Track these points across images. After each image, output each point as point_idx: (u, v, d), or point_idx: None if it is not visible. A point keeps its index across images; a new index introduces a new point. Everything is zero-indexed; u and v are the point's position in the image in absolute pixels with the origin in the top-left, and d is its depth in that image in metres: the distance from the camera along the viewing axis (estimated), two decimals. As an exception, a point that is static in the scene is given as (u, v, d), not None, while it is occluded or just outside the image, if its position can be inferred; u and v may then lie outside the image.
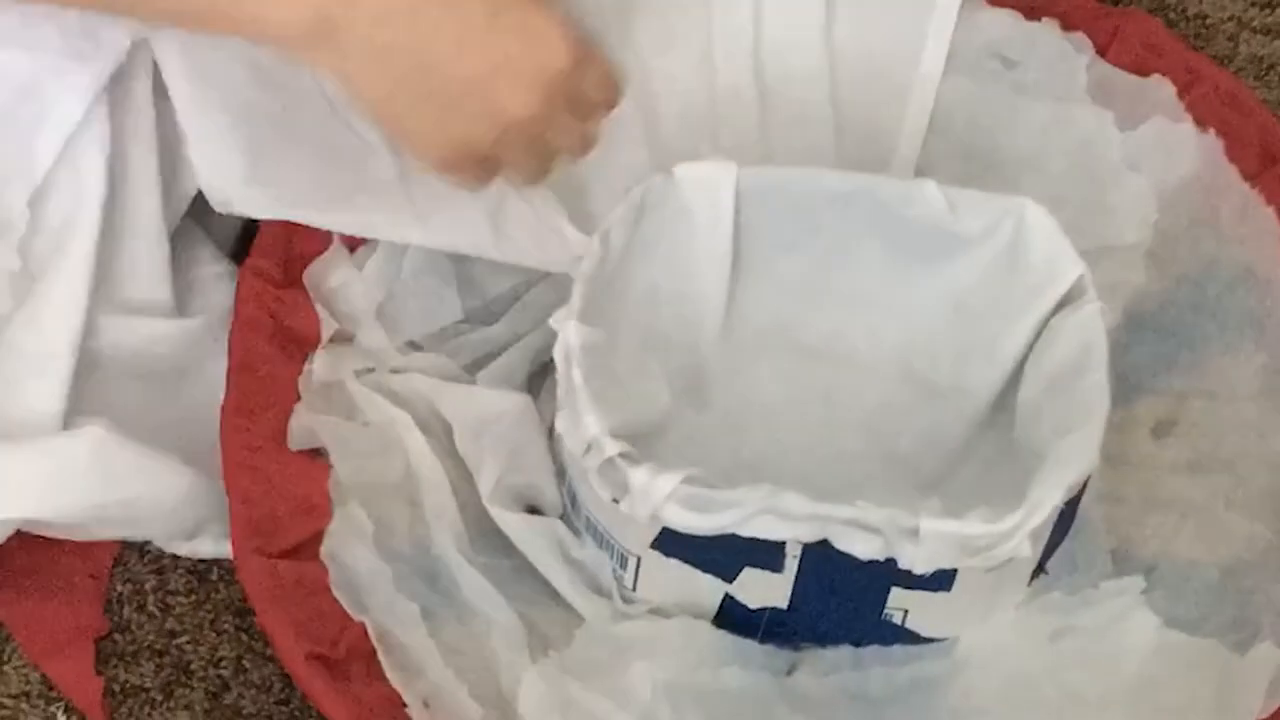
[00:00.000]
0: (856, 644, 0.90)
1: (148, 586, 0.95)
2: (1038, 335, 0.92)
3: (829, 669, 0.90)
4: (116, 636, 0.93)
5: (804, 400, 0.97)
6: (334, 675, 0.84)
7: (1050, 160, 1.03)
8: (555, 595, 0.91)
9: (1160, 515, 0.93)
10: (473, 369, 0.96)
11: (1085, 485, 0.88)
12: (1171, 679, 0.88)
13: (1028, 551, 0.84)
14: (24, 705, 0.92)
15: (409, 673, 0.86)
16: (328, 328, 0.95)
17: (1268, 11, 1.18)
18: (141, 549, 0.95)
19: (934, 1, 1.05)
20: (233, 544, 0.88)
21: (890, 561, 0.84)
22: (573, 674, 0.87)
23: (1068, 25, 1.06)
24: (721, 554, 0.86)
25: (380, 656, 0.86)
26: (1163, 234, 1.01)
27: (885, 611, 0.88)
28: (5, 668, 0.92)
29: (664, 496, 0.83)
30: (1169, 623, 0.89)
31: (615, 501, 0.85)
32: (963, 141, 1.05)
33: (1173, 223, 1.01)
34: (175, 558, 0.95)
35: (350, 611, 0.86)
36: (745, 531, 0.84)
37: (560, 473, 0.92)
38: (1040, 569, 0.90)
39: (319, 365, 0.94)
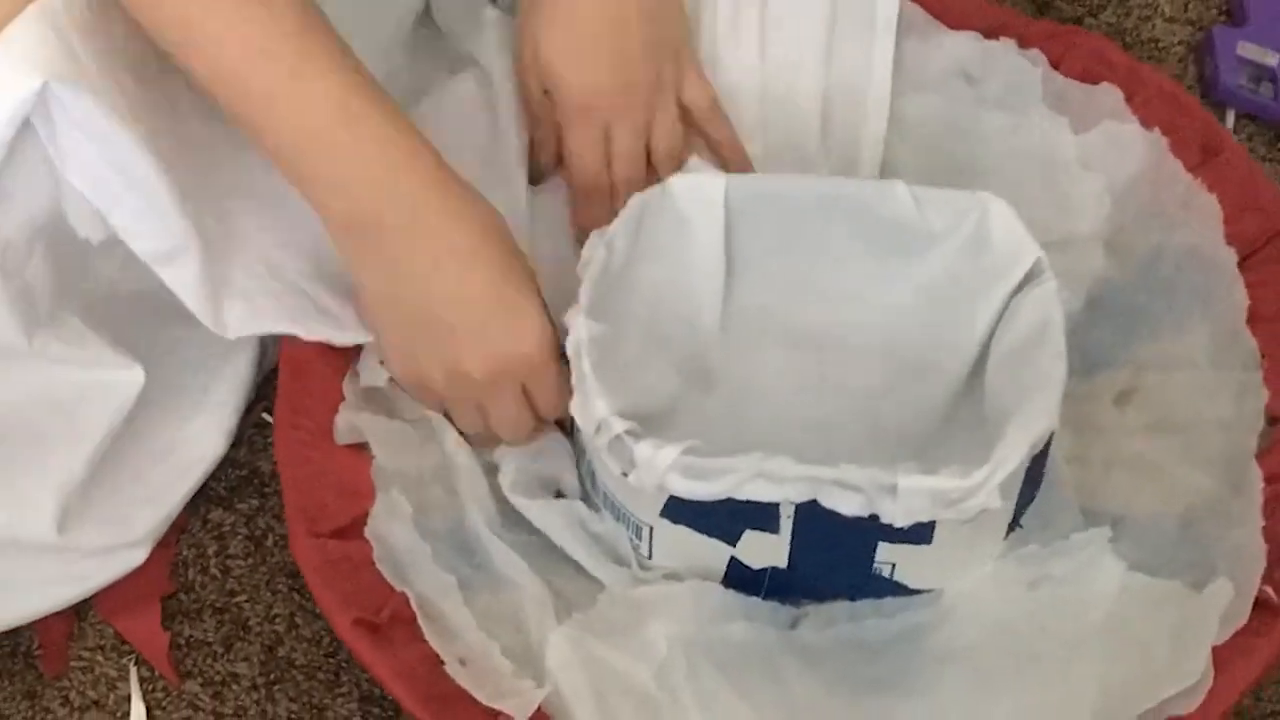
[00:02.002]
0: (852, 598, 0.93)
1: (210, 551, 0.99)
2: (1002, 313, 0.95)
3: (828, 622, 0.93)
4: (181, 596, 0.98)
5: (799, 383, 0.99)
6: (377, 638, 0.89)
7: (1013, 163, 1.06)
8: (578, 566, 0.94)
9: (1123, 474, 0.97)
10: (496, 369, 0.97)
11: (1049, 443, 0.90)
12: (1137, 616, 0.91)
13: (998, 503, 0.87)
14: (99, 657, 0.96)
15: (447, 636, 0.90)
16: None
17: (1217, 36, 1.18)
18: (204, 518, 0.99)
19: (874, 26, 1.08)
20: (287, 527, 0.92)
21: (874, 517, 0.87)
22: (595, 633, 0.90)
23: (1024, 43, 1.10)
24: (723, 518, 0.90)
25: (420, 622, 0.90)
26: (1117, 224, 1.04)
27: (875, 565, 0.91)
28: (83, 624, 0.97)
29: (666, 466, 0.87)
30: (1133, 567, 0.92)
31: (625, 475, 0.89)
32: (934, 151, 1.07)
33: (1125, 214, 1.05)
34: (234, 526, 0.99)
35: (393, 584, 0.91)
36: (741, 495, 0.87)
37: (579, 456, 0.96)
38: (1016, 524, 0.94)
39: (361, 371, 0.97)
